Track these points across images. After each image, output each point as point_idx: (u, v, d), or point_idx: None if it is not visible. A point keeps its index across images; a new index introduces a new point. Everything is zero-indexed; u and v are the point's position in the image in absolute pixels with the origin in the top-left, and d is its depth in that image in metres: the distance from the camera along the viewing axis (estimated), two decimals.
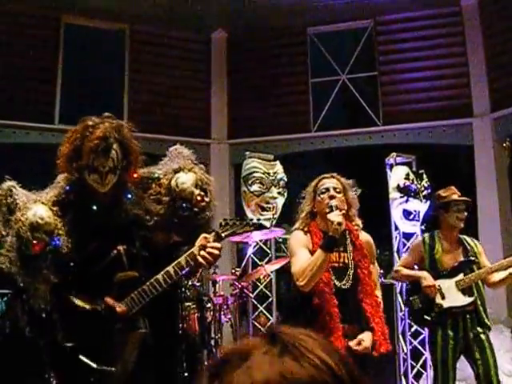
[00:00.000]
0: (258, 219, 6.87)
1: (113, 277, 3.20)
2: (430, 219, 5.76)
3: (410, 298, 5.31)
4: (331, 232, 3.73)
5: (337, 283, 3.88)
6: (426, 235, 5.42)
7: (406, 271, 5.38)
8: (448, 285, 5.14)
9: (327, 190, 4.00)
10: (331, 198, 3.93)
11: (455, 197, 5.36)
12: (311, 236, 3.98)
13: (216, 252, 3.19)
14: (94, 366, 3.11)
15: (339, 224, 3.70)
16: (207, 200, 3.38)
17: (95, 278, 3.19)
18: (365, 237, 4.15)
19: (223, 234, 3.26)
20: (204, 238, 3.17)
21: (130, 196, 3.30)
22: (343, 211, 3.83)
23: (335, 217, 3.73)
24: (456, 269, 5.21)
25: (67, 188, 3.31)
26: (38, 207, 3.18)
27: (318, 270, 3.71)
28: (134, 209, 3.27)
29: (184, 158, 3.48)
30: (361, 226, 4.15)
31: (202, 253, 3.14)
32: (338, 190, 3.99)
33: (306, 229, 4.03)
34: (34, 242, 3.08)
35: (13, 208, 3.21)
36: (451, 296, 5.12)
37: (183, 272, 3.17)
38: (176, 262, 3.15)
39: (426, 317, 5.16)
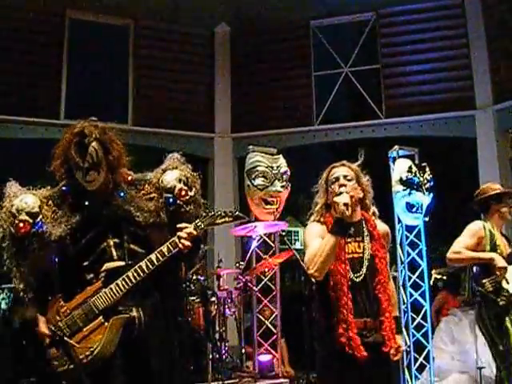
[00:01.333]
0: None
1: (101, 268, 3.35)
2: (480, 209, 5.69)
3: (484, 281, 5.22)
4: (338, 214, 3.59)
5: (351, 275, 3.73)
6: (481, 221, 5.45)
7: (471, 253, 5.31)
8: (510, 270, 5.17)
9: (337, 179, 3.85)
10: (341, 186, 3.79)
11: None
12: (327, 227, 3.78)
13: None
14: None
15: (345, 205, 3.56)
16: (191, 194, 3.55)
17: (85, 269, 3.35)
18: (382, 227, 3.97)
19: (202, 225, 3.41)
20: (185, 227, 3.37)
21: (122, 194, 3.48)
22: (351, 194, 3.68)
23: (341, 198, 3.61)
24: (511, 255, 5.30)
25: (64, 188, 3.49)
26: (25, 195, 3.42)
27: (328, 256, 3.58)
28: (126, 205, 3.41)
29: (173, 159, 3.68)
30: (377, 214, 3.98)
31: (183, 240, 3.32)
32: (348, 178, 3.84)
33: (322, 220, 3.89)
34: (20, 224, 3.31)
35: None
36: None
37: (165, 258, 3.32)
38: (159, 250, 3.33)
39: (498, 300, 5.11)
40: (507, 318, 5.12)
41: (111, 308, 3.28)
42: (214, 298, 6.41)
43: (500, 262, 5.15)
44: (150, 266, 3.30)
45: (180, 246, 3.32)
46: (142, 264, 3.30)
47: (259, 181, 6.93)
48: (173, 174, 3.58)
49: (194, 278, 6.30)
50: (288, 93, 10.64)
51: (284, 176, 7.11)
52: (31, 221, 3.32)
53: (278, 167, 7.11)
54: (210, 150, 10.57)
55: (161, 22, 10.57)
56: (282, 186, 7.05)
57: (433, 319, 8.67)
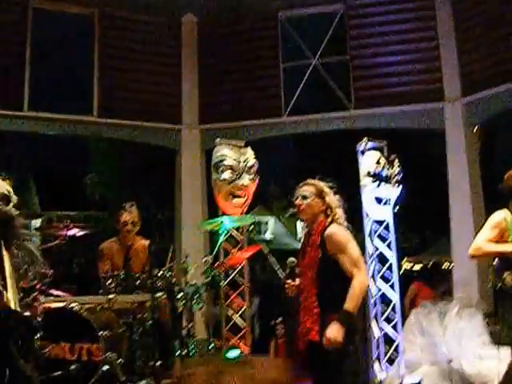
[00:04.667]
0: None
1: None
2: (507, 194, 5.45)
3: (504, 275, 5.01)
4: None
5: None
6: (504, 211, 5.20)
7: (494, 246, 5.08)
8: None
9: (296, 198, 4.62)
10: (293, 206, 4.64)
11: None
12: None
13: None
14: None
15: None
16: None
17: None
18: (328, 231, 4.48)
19: None
20: None
21: None
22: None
23: None
24: None
25: None
26: None
27: None
28: None
29: None
30: (338, 218, 4.54)
31: None
32: (307, 196, 4.56)
33: None
34: None
35: None
36: None
37: None
38: None
39: None
40: None
41: None
42: (180, 294, 6.30)
43: None
44: None
45: None
46: None
47: (226, 174, 6.86)
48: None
49: (160, 273, 6.19)
50: (256, 84, 10.57)
51: (252, 169, 7.04)
52: None
53: (245, 160, 7.04)
54: (177, 142, 10.46)
55: (126, 11, 10.39)
56: (250, 179, 6.99)
57: (407, 310, 8.69)
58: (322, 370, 4.31)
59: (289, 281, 4.57)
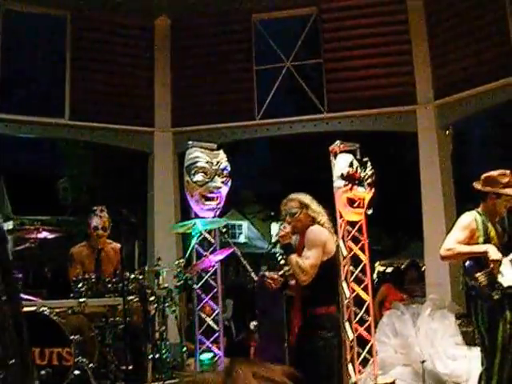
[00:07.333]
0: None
1: None
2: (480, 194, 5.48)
3: (477, 275, 5.02)
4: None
5: None
6: (474, 212, 5.29)
7: (464, 247, 5.13)
8: (504, 262, 5.00)
9: (284, 217, 5.00)
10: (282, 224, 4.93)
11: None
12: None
13: None
14: None
15: None
16: None
17: None
18: (309, 229, 4.89)
19: None
20: None
21: None
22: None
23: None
24: (506, 247, 5.12)
25: None
26: None
27: None
28: None
29: None
30: (323, 223, 4.94)
31: None
32: (293, 212, 4.95)
33: None
34: None
35: None
36: (509, 274, 4.97)
37: None
38: None
39: (493, 294, 4.94)
40: (500, 316, 4.97)
41: None
42: (152, 297, 6.26)
43: (494, 255, 4.94)
44: None
45: None
46: None
47: (199, 177, 6.81)
48: None
49: (132, 276, 6.15)
50: (229, 87, 10.54)
51: (224, 171, 7.00)
52: None
53: (218, 163, 6.99)
54: (149, 145, 10.40)
55: (99, 13, 10.30)
56: (223, 182, 6.94)
57: (376, 312, 8.71)
58: (299, 362, 4.70)
59: (268, 273, 5.06)
